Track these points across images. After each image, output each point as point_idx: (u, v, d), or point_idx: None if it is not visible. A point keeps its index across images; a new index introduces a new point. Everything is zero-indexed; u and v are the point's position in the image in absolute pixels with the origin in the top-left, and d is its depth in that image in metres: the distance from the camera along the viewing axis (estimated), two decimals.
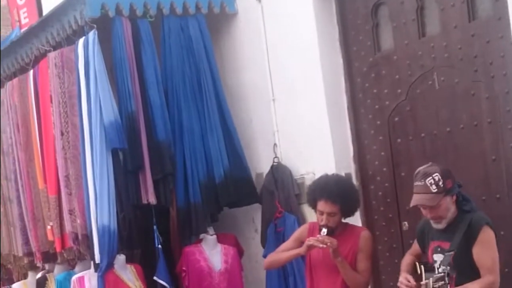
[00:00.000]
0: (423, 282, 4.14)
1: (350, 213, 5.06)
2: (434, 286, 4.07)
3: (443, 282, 4.07)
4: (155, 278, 5.99)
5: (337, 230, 5.00)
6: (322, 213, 4.95)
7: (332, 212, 4.92)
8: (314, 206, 5.05)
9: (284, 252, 5.16)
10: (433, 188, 4.21)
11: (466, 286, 4.14)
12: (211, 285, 6.19)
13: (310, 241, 4.89)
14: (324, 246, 4.82)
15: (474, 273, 4.17)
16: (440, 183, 4.21)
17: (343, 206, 4.94)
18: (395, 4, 5.49)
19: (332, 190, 4.92)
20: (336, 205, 4.91)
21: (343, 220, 5.05)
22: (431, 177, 4.22)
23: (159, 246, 6.08)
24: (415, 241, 4.62)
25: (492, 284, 4.15)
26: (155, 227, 6.11)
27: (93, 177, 5.88)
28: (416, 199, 4.29)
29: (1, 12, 8.88)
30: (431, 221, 4.33)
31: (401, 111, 5.53)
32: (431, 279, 4.10)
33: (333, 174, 5.28)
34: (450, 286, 4.11)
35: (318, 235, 4.89)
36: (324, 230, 4.90)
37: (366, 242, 5.00)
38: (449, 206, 4.25)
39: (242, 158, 6.41)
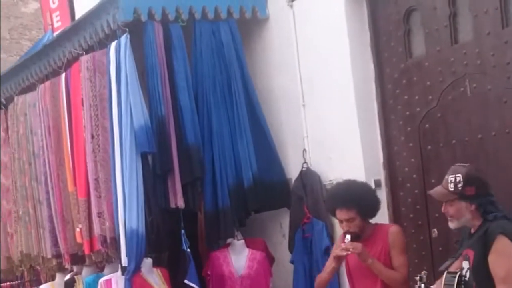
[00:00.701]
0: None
1: (369, 214, 5.05)
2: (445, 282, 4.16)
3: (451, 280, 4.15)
4: (186, 281, 6.00)
5: (366, 233, 5.02)
6: (341, 221, 5.02)
7: (349, 218, 4.96)
8: (334, 216, 5.13)
9: (323, 272, 5.20)
10: (450, 186, 4.26)
11: None
12: None
13: (334, 252, 4.97)
14: (348, 252, 4.86)
15: (491, 282, 4.14)
16: (459, 185, 4.24)
17: (359, 209, 4.96)
18: (427, 10, 5.47)
19: (344, 197, 4.99)
20: (351, 210, 4.94)
21: (370, 221, 5.07)
22: (454, 176, 4.27)
23: (188, 250, 6.09)
24: None
25: None
26: (183, 231, 6.12)
27: (122, 181, 5.91)
28: (434, 190, 4.41)
29: (31, 16, 8.98)
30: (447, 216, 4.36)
31: (432, 117, 5.51)
32: (445, 273, 4.21)
33: (343, 181, 5.32)
34: None
35: (342, 243, 4.95)
36: (348, 237, 4.94)
37: (395, 237, 5.00)
38: (462, 211, 4.26)
39: (276, 160, 6.42)
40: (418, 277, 4.36)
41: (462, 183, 4.23)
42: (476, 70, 5.15)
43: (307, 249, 6.16)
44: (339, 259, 4.96)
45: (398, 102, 5.77)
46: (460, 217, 4.27)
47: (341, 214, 4.98)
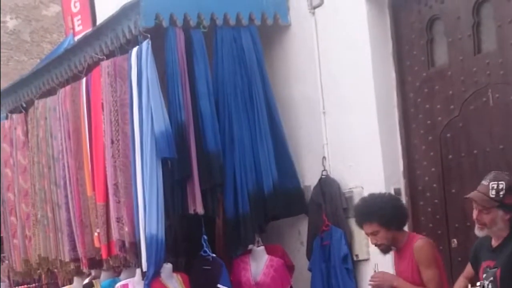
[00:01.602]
0: None
1: (394, 224, 4.94)
2: None
3: None
4: (219, 285, 6.00)
5: (402, 240, 4.94)
6: (368, 235, 5.02)
7: (373, 231, 4.92)
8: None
9: None
10: (492, 193, 4.20)
11: None
12: None
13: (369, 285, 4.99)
14: (378, 284, 4.89)
15: None
16: (501, 193, 4.18)
17: (381, 221, 4.89)
18: (451, 20, 5.46)
19: (363, 212, 4.98)
20: (373, 223, 4.90)
21: (399, 231, 4.99)
22: (496, 183, 4.21)
23: (213, 255, 6.11)
24: (469, 263, 4.57)
25: None
26: (205, 237, 6.14)
27: (143, 186, 5.91)
28: (472, 194, 4.30)
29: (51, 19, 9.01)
30: (476, 224, 4.29)
31: (453, 127, 5.49)
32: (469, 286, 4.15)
33: (363, 197, 5.26)
34: None
35: (371, 276, 4.98)
36: (375, 268, 5.00)
37: (420, 252, 4.89)
38: (497, 220, 4.22)
39: (292, 167, 6.41)
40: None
41: (504, 191, 4.18)
42: (499, 80, 5.13)
43: (325, 256, 6.14)
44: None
45: (419, 110, 5.75)
46: (493, 225, 4.22)
47: (366, 228, 4.96)
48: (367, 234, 5.01)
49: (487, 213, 4.22)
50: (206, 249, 6.12)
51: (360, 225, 5.04)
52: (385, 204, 5.00)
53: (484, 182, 4.26)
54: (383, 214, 4.93)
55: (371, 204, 5.01)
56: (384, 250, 4.95)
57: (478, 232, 4.30)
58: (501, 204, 4.19)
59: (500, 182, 4.19)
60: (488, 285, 4.19)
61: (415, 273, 4.89)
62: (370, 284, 4.92)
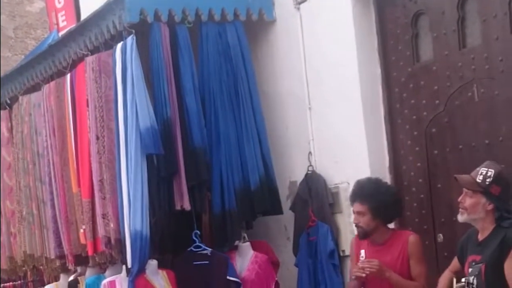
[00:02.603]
0: None
1: (383, 215, 4.98)
2: None
3: None
4: (228, 277, 6.02)
5: (383, 236, 4.99)
6: (354, 213, 5.06)
7: (360, 212, 4.97)
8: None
9: (351, 279, 5.14)
10: (479, 178, 4.23)
11: None
12: None
13: (354, 274, 4.93)
14: (367, 273, 4.83)
15: None
16: (487, 180, 4.21)
17: (372, 206, 4.93)
18: (435, 14, 5.45)
19: (360, 191, 5.04)
20: (364, 205, 4.95)
21: (390, 226, 5.07)
22: (486, 169, 4.25)
23: (210, 249, 6.11)
24: (456, 257, 4.58)
25: None
26: (197, 232, 6.14)
27: (127, 182, 5.88)
28: (461, 176, 4.36)
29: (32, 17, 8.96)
30: (459, 208, 4.32)
31: (439, 122, 5.49)
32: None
33: (367, 178, 5.28)
34: None
35: (359, 263, 4.92)
36: (362, 254, 4.97)
37: (415, 246, 4.96)
38: (478, 207, 4.24)
39: (270, 169, 6.38)
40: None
41: (491, 178, 4.20)
42: (484, 75, 5.13)
43: (312, 252, 6.14)
44: (358, 279, 4.93)
45: (405, 106, 5.75)
46: (474, 212, 4.24)
47: (355, 206, 5.01)
48: (353, 211, 5.04)
49: (471, 197, 4.24)
50: (201, 244, 6.09)
51: (353, 201, 5.06)
52: (386, 195, 5.04)
53: (477, 168, 4.30)
54: (378, 201, 4.97)
55: (373, 187, 5.04)
56: (361, 233, 4.98)
57: (459, 216, 4.32)
58: (486, 191, 4.21)
59: (489, 170, 4.24)
60: (473, 280, 4.20)
61: (404, 267, 4.93)
62: (364, 271, 4.84)
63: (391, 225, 5.25)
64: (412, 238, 5.00)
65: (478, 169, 4.31)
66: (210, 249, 6.11)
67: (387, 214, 5.04)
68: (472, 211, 4.25)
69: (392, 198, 5.07)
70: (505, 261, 4.12)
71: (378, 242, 5.00)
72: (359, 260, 5.00)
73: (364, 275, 4.85)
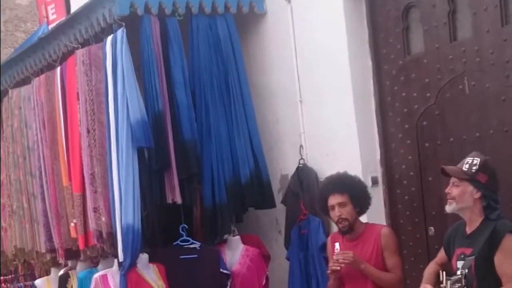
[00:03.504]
0: (443, 285, 4.14)
1: (361, 204, 5.05)
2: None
3: (460, 284, 4.07)
4: (221, 270, 6.03)
5: (358, 231, 5.02)
6: (333, 208, 5.02)
7: (342, 202, 4.97)
8: (326, 208, 5.11)
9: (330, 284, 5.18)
10: (465, 167, 4.25)
11: None
12: None
13: (330, 268, 4.95)
14: (342, 265, 4.85)
15: (495, 282, 4.12)
16: (474, 168, 4.22)
17: (352, 194, 4.98)
18: (426, 7, 5.44)
19: (336, 182, 5.06)
20: (344, 194, 4.98)
21: (362, 221, 5.09)
22: (472, 158, 4.26)
23: (198, 243, 6.10)
24: (442, 250, 4.59)
25: None
26: (185, 226, 6.12)
27: (118, 176, 5.86)
28: (449, 166, 4.36)
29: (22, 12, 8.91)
30: (447, 199, 4.32)
31: (430, 115, 5.49)
32: (449, 281, 4.11)
33: (336, 173, 5.31)
34: None
35: (334, 256, 4.95)
36: (337, 246, 5.00)
37: (388, 238, 5.01)
38: (466, 196, 4.23)
39: (261, 163, 6.38)
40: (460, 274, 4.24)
41: (477, 166, 4.21)
42: (475, 67, 5.13)
43: (303, 245, 6.14)
44: (334, 273, 4.95)
45: (396, 99, 5.75)
46: (462, 201, 4.23)
47: (334, 198, 4.99)
48: (332, 206, 5.01)
49: (458, 186, 4.24)
50: (188, 238, 6.08)
51: (327, 196, 5.03)
52: (358, 183, 5.14)
53: (464, 159, 4.31)
54: (356, 189, 5.04)
55: (346, 177, 5.12)
56: (346, 227, 4.98)
57: (448, 207, 4.32)
58: (472, 179, 4.21)
59: (475, 158, 4.25)
60: (464, 271, 4.20)
61: (379, 259, 4.96)
62: (340, 262, 4.87)
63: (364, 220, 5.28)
64: (384, 230, 5.05)
65: (464, 159, 4.32)
66: (199, 243, 6.09)
67: (364, 204, 5.09)
68: (460, 200, 4.25)
69: (364, 186, 5.16)
70: (495, 254, 4.12)
71: (353, 236, 5.03)
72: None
73: (339, 268, 4.86)
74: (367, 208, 5.16)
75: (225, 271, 6.08)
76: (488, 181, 4.23)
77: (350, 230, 5.01)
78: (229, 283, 6.10)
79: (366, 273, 4.90)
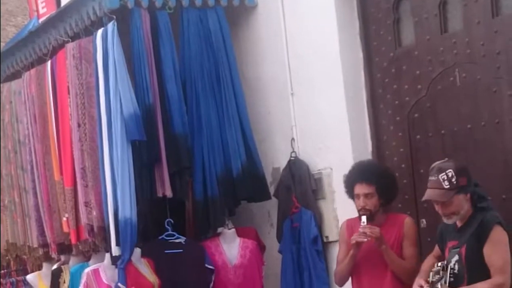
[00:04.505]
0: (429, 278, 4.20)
1: (388, 195, 5.03)
2: (433, 280, 4.13)
3: (439, 276, 4.13)
4: (206, 265, 6.01)
5: (380, 220, 5.00)
6: (358, 197, 4.98)
7: (368, 193, 4.94)
8: (352, 194, 5.06)
9: (342, 262, 5.12)
10: (446, 184, 4.23)
11: (474, 286, 4.13)
12: (226, 279, 6.14)
13: (353, 239, 4.90)
14: (368, 238, 4.83)
15: (485, 273, 4.15)
16: (453, 179, 4.21)
17: (379, 186, 4.95)
18: None
19: (366, 171, 5.00)
20: (372, 186, 4.94)
21: (383, 210, 5.05)
22: (444, 173, 4.24)
23: (184, 238, 6.07)
24: (436, 244, 4.59)
25: (502, 285, 4.11)
26: (171, 220, 6.07)
27: (111, 170, 5.83)
28: (428, 194, 4.33)
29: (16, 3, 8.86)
30: (443, 217, 4.32)
31: (421, 107, 5.48)
32: (431, 273, 4.18)
33: (367, 159, 5.31)
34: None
35: (360, 228, 4.89)
36: (364, 219, 4.90)
37: (410, 228, 5.02)
38: (462, 204, 4.25)
39: (254, 155, 6.36)
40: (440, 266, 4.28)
41: (455, 176, 4.21)
42: (465, 59, 5.12)
43: (295, 238, 6.13)
44: (358, 246, 4.91)
45: (387, 91, 5.74)
46: (460, 210, 4.26)
47: (361, 188, 4.95)
48: (357, 195, 4.96)
49: (450, 203, 4.24)
50: (174, 233, 6.06)
51: (353, 185, 4.98)
52: (388, 175, 5.12)
53: (432, 178, 4.29)
54: (383, 181, 5.00)
55: (376, 167, 5.10)
56: (368, 217, 4.93)
57: (449, 220, 4.32)
58: (459, 188, 4.22)
59: (447, 171, 4.24)
60: (454, 265, 4.21)
61: (399, 248, 4.97)
62: (367, 235, 4.84)
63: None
64: (408, 220, 5.08)
65: (434, 178, 4.28)
66: (184, 238, 6.07)
67: (389, 195, 5.08)
68: (460, 210, 4.28)
69: (393, 178, 5.13)
70: (484, 246, 4.13)
71: (373, 221, 4.97)
72: (348, 244, 5.01)
73: (365, 239, 4.83)
74: (393, 200, 5.14)
75: (209, 267, 6.04)
76: (467, 179, 4.27)
77: (371, 219, 4.96)
78: (213, 278, 6.07)
79: (386, 255, 4.88)
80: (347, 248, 5.09)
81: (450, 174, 4.21)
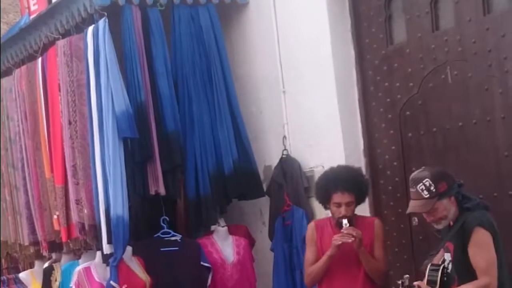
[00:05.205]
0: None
1: (362, 201, 5.11)
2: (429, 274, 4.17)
3: (434, 272, 4.16)
4: (202, 263, 6.00)
5: (353, 221, 5.00)
6: (339, 205, 4.96)
7: (350, 202, 4.95)
8: (327, 201, 5.03)
9: (316, 264, 5.08)
10: (425, 194, 4.22)
11: None
12: (224, 277, 6.15)
13: (337, 240, 4.88)
14: (353, 239, 4.84)
15: (473, 274, 4.14)
16: (432, 188, 4.21)
17: (358, 194, 4.99)
18: None
19: (347, 180, 4.97)
20: (352, 194, 4.95)
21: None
22: (421, 183, 4.23)
23: (180, 235, 6.05)
24: None
25: (488, 286, 4.10)
26: (166, 218, 6.06)
27: (103, 167, 5.80)
28: (410, 206, 4.33)
29: None
30: (432, 224, 4.33)
31: (413, 105, 5.47)
32: (428, 265, 4.23)
33: (340, 166, 5.24)
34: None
35: (342, 230, 4.89)
36: (345, 222, 4.90)
37: (380, 229, 5.08)
38: (447, 208, 4.25)
39: (248, 152, 6.35)
40: (400, 282, 4.27)
41: (432, 184, 4.20)
42: (457, 57, 5.11)
43: (287, 236, 6.13)
44: (340, 247, 4.90)
45: (378, 89, 5.72)
46: (448, 214, 4.26)
47: (343, 197, 4.93)
48: (338, 204, 4.95)
49: (435, 211, 4.24)
50: (169, 230, 6.04)
51: (332, 193, 4.95)
52: (364, 181, 5.12)
53: (412, 190, 4.29)
54: (361, 189, 5.03)
55: (354, 174, 5.07)
56: (349, 223, 4.93)
57: (439, 226, 4.32)
58: (440, 195, 4.21)
59: (424, 181, 4.22)
60: (448, 264, 4.21)
61: (371, 249, 5.01)
62: (345, 235, 4.85)
63: None
64: (378, 221, 5.14)
65: (413, 190, 4.26)
66: (180, 235, 6.06)
67: (364, 199, 5.13)
68: (447, 214, 4.27)
69: (368, 182, 5.16)
70: (468, 246, 4.13)
71: (352, 224, 4.97)
72: (317, 245, 5.05)
73: (350, 240, 4.83)
74: (365, 199, 5.17)
75: (205, 264, 6.04)
76: (448, 183, 4.25)
77: (350, 223, 4.96)
78: (210, 276, 6.06)
79: (362, 256, 4.91)
80: (317, 249, 5.09)
81: (427, 183, 4.21)
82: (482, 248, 4.10)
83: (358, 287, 4.97)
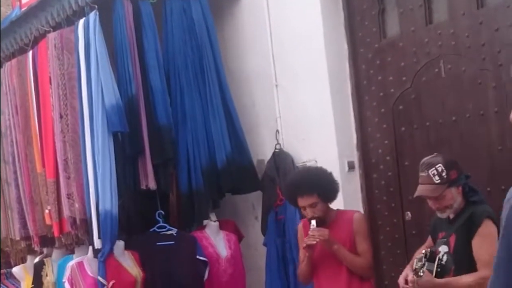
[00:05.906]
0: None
1: (330, 197, 5.04)
2: (416, 267, 4.11)
3: (421, 263, 4.11)
4: (197, 256, 5.97)
5: (330, 218, 5.02)
6: (304, 208, 4.99)
7: (312, 203, 4.93)
8: (296, 206, 5.11)
9: (300, 264, 5.16)
10: (436, 179, 4.19)
11: (460, 278, 4.11)
12: (219, 272, 6.14)
13: (304, 242, 4.93)
14: (317, 240, 4.84)
15: (472, 266, 4.12)
16: (444, 174, 4.18)
17: (320, 193, 4.94)
18: None
19: (302, 184, 4.97)
20: (313, 195, 4.92)
21: (332, 207, 5.08)
22: (434, 168, 4.20)
23: (175, 229, 6.04)
24: (429, 236, 4.57)
25: (487, 278, 4.07)
26: (162, 212, 6.04)
27: (93, 161, 5.77)
28: (419, 190, 4.30)
29: None
30: (437, 211, 4.29)
31: (406, 99, 5.43)
32: (415, 259, 4.16)
33: (298, 170, 5.36)
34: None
35: (309, 232, 4.91)
36: (313, 223, 4.92)
37: (360, 223, 5.04)
38: (454, 197, 4.23)
39: (243, 145, 6.32)
40: (423, 252, 4.23)
41: (445, 170, 4.18)
42: (450, 51, 5.07)
43: (280, 231, 6.10)
44: (309, 248, 4.94)
45: (372, 82, 5.69)
46: (453, 203, 4.24)
47: (303, 201, 4.95)
48: (303, 207, 4.99)
49: (443, 198, 4.22)
50: (165, 224, 6.01)
51: (295, 198, 4.99)
52: (324, 177, 5.06)
53: (423, 174, 4.25)
54: (323, 186, 4.98)
55: (309, 176, 5.03)
56: (319, 223, 4.94)
57: (443, 214, 4.29)
58: (450, 182, 4.19)
59: (437, 166, 4.20)
60: (443, 256, 4.19)
61: (352, 244, 4.98)
62: (310, 237, 4.86)
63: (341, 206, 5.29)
64: (357, 215, 5.10)
65: (424, 174, 4.24)
66: (175, 229, 6.03)
67: (333, 196, 5.07)
68: (452, 203, 4.25)
69: (328, 177, 5.08)
70: (473, 238, 4.11)
71: (325, 223, 4.99)
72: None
73: (314, 242, 4.84)
74: (336, 196, 5.13)
75: (202, 258, 6.01)
76: (458, 172, 4.24)
77: (321, 223, 4.97)
78: (207, 270, 6.04)
79: (338, 254, 4.92)
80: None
81: (440, 169, 4.19)
82: (487, 241, 4.06)
83: (341, 281, 4.96)
